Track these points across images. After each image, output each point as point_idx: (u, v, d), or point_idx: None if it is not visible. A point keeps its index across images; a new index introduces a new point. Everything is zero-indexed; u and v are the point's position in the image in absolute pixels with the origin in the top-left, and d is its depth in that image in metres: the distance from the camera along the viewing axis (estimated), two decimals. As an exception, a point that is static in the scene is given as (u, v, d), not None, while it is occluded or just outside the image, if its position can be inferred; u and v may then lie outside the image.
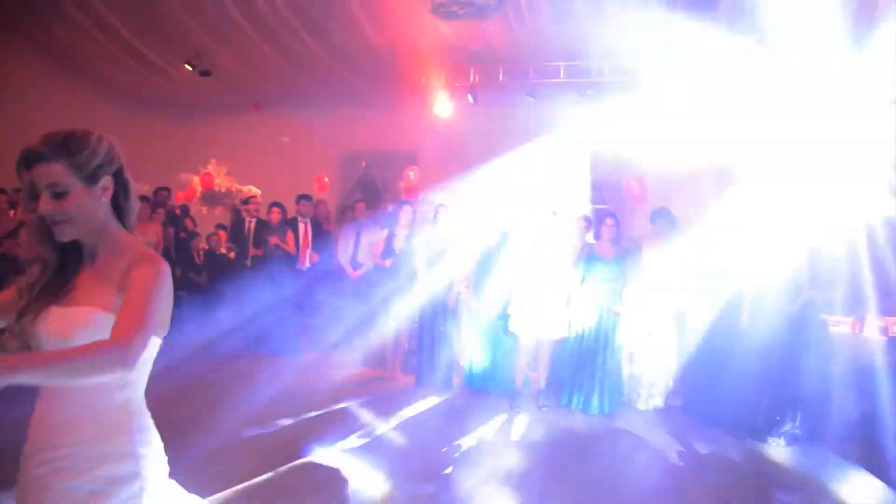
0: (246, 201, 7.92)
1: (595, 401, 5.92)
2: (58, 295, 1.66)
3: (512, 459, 4.92)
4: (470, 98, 9.99)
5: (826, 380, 6.07)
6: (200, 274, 7.80)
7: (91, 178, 1.66)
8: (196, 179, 9.82)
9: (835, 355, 6.22)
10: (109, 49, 9.75)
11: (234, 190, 9.71)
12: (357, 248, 7.46)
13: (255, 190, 9.90)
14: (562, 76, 9.46)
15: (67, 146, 1.63)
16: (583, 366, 5.99)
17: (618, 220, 6.17)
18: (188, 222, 9.19)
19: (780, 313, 5.48)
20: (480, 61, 9.92)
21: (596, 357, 5.97)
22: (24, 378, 1.35)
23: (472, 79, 9.98)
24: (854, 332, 6.46)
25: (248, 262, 7.61)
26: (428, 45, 9.64)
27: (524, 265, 5.96)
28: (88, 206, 1.66)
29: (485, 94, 10.09)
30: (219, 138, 12.02)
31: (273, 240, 7.48)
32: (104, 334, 1.57)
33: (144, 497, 1.67)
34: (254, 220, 7.68)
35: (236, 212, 8.27)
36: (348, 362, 7.29)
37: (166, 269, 1.68)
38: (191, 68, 10.10)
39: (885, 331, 6.37)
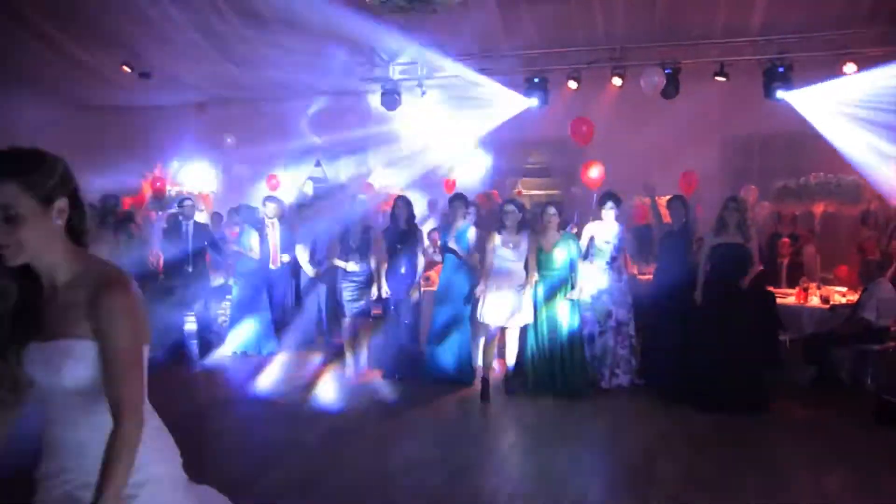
0: (181, 202, 7.70)
1: (560, 383, 6.07)
2: (32, 329, 1.62)
3: (487, 446, 5.02)
4: (420, 91, 9.99)
5: (777, 349, 6.40)
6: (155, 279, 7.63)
7: (46, 199, 1.58)
8: (146, 184, 9.58)
9: (783, 325, 6.55)
10: (45, 54, 9.39)
11: (184, 193, 9.51)
12: (316, 245, 7.43)
13: (205, 191, 9.75)
14: (510, 66, 9.55)
15: (21, 165, 1.56)
16: (546, 350, 6.13)
17: (560, 210, 6.34)
18: (133, 228, 8.95)
19: (731, 287, 5.71)
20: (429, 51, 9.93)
21: (557, 341, 6.12)
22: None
23: (419, 71, 9.98)
24: (799, 302, 6.76)
25: (189, 267, 7.45)
26: (374, 39, 9.60)
27: (490, 253, 6.03)
28: (42, 229, 1.58)
29: (433, 85, 10.12)
30: (165, 140, 11.72)
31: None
32: (87, 362, 1.58)
33: (164, 493, 1.71)
34: (191, 222, 7.52)
35: (172, 214, 8.02)
36: (315, 359, 7.30)
37: (131, 286, 1.65)
38: (129, 70, 9.81)
39: (826, 299, 6.70)
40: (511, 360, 6.24)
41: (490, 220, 6.83)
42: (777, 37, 8.65)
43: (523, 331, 6.18)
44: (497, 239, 6.02)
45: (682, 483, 4.23)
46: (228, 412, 5.85)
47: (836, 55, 8.57)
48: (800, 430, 5.29)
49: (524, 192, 11.55)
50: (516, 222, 6.03)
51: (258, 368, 7.09)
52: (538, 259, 6.14)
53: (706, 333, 5.72)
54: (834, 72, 8.71)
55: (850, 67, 8.56)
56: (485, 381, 6.07)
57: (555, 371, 6.11)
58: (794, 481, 4.32)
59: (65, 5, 8.40)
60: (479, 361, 6.45)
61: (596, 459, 4.87)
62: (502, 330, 6.16)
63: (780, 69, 8.70)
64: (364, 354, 6.83)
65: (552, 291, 6.17)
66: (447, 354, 6.49)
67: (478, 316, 6.09)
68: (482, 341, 6.34)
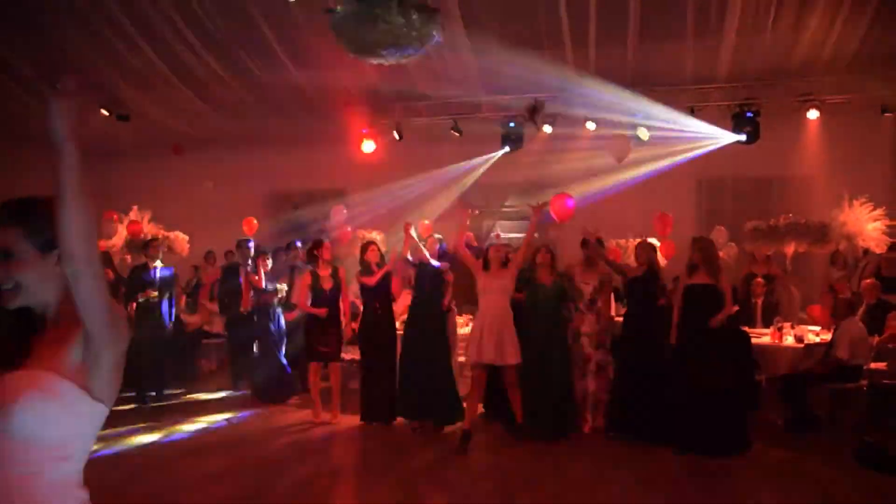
0: (146, 245, 7.60)
1: (549, 424, 6.00)
2: (10, 362, 1.59)
3: (479, 490, 4.93)
4: (396, 135, 10.11)
5: (753, 389, 6.40)
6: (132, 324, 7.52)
7: (46, 246, 1.63)
8: (122, 227, 9.48)
9: (758, 365, 6.58)
10: (20, 96, 9.39)
11: (160, 236, 9.41)
12: (290, 289, 7.39)
13: (181, 235, 9.67)
14: (484, 111, 9.73)
15: (23, 212, 1.63)
16: (536, 390, 6.06)
17: (552, 250, 6.36)
18: (109, 272, 8.84)
19: (703, 328, 5.72)
20: (404, 98, 10.08)
21: (547, 380, 6.06)
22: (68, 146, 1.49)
23: (396, 115, 10.12)
24: (774, 342, 6.80)
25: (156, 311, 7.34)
26: (352, 84, 9.74)
27: (479, 290, 5.97)
28: (41, 274, 1.63)
29: (410, 129, 10.24)
30: (140, 184, 11.68)
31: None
32: (55, 401, 1.52)
33: None
34: (158, 266, 7.43)
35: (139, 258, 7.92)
36: (290, 408, 7.18)
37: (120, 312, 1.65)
38: (107, 113, 9.82)
39: (800, 339, 6.75)
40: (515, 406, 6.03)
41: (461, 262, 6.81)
42: (742, 84, 8.94)
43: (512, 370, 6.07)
44: (483, 277, 5.98)
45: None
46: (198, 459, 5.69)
47: (800, 101, 8.86)
48: (780, 473, 5.26)
49: (502, 235, 11.62)
50: (502, 260, 6.02)
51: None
52: (532, 299, 6.12)
53: (682, 374, 5.72)
54: (799, 117, 9.00)
55: (813, 113, 8.84)
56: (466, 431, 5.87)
57: (538, 411, 6.03)
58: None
59: (43, 48, 8.43)
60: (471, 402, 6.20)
61: None
62: (493, 369, 5.98)
63: (748, 114, 8.96)
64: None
65: (545, 330, 6.14)
66: (424, 394, 6.39)
67: (465, 355, 6.01)
68: (476, 380, 6.02)
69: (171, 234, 9.54)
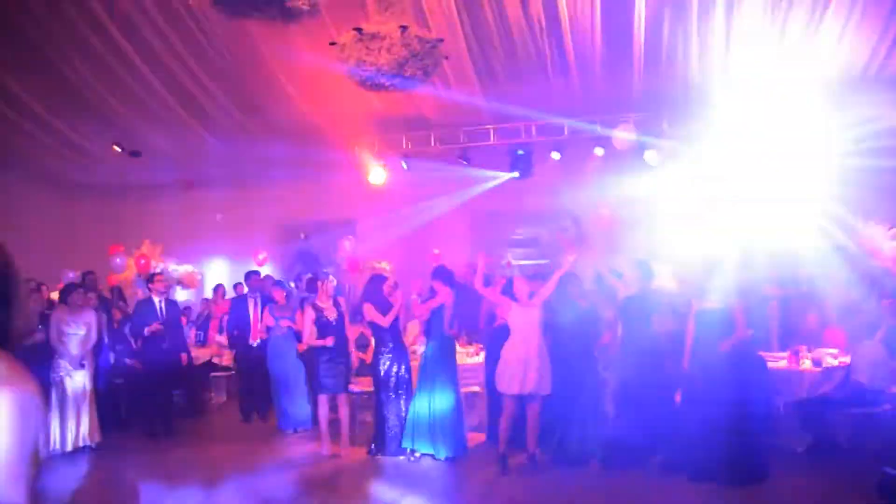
0: (150, 279, 7.59)
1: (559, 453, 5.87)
2: None
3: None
4: (403, 164, 10.15)
5: (771, 415, 6.24)
6: (136, 358, 7.50)
7: None
8: (131, 261, 9.55)
9: (776, 390, 6.41)
10: (35, 135, 9.55)
11: (169, 270, 9.47)
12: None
13: (191, 269, 9.72)
14: (492, 138, 9.74)
15: None
16: (569, 419, 5.95)
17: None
18: (119, 306, 8.88)
19: (719, 354, 5.60)
20: (412, 128, 10.14)
21: (577, 407, 5.94)
22: None
23: (404, 145, 10.16)
24: (791, 365, 6.65)
25: (164, 343, 7.30)
26: (359, 115, 9.83)
27: (509, 318, 5.91)
28: None
29: (417, 159, 10.27)
30: (151, 218, 11.79)
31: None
32: None
33: None
34: (163, 299, 7.42)
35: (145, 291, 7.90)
36: (299, 440, 7.09)
37: (21, 395, 1.45)
38: (119, 150, 9.96)
39: (818, 362, 6.59)
40: (534, 433, 5.95)
41: (470, 290, 6.74)
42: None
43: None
44: (514, 305, 5.91)
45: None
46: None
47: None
48: (799, 502, 5.09)
49: (513, 262, 11.56)
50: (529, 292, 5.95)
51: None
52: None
53: (696, 400, 5.58)
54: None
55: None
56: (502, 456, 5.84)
57: (554, 441, 5.91)
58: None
59: (56, 86, 8.58)
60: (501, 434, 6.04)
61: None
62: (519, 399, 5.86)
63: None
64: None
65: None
66: (431, 425, 6.29)
67: (498, 385, 5.90)
68: (507, 411, 5.92)
69: (181, 269, 9.58)
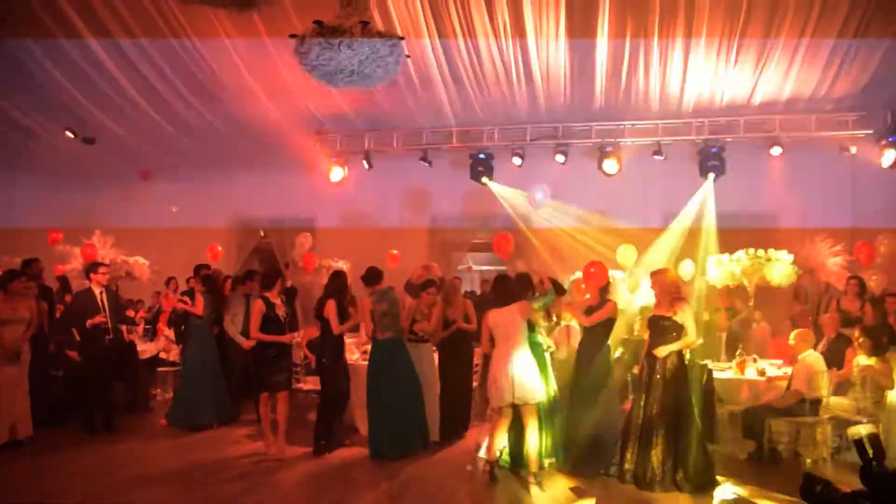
0: (94, 269, 7.25)
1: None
2: None
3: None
4: (365, 163, 10.10)
5: (714, 422, 6.35)
6: (76, 350, 7.25)
7: None
8: (77, 251, 9.27)
9: (721, 399, 6.53)
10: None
11: (119, 261, 9.22)
12: (248, 317, 7.29)
13: (141, 261, 9.49)
14: (454, 141, 9.76)
15: None
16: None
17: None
18: (64, 298, 8.62)
19: (668, 363, 5.66)
20: (375, 127, 10.10)
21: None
22: None
23: (366, 144, 10.11)
24: (736, 375, 6.79)
25: (109, 335, 7.10)
26: (322, 112, 9.75)
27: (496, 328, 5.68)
28: None
29: (380, 159, 10.23)
30: (105, 208, 11.52)
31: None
32: None
33: None
34: (104, 291, 7.18)
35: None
36: (242, 439, 6.96)
37: None
38: (72, 135, 9.69)
39: (762, 371, 6.74)
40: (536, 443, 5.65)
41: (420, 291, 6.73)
42: (709, 119, 9.11)
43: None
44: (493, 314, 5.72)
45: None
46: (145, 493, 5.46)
47: (763, 138, 9.03)
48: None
49: (473, 267, 11.59)
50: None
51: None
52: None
53: (645, 407, 5.64)
54: (762, 154, 9.16)
55: (776, 150, 9.01)
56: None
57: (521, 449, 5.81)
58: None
59: (4, 64, 8.32)
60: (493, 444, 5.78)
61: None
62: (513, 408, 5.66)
63: (713, 150, 9.09)
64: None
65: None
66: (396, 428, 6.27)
67: (490, 394, 5.68)
68: (501, 421, 5.67)
69: (131, 260, 9.35)
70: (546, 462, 5.85)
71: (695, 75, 8.34)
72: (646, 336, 6.03)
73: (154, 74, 8.76)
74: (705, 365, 6.61)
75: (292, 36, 5.92)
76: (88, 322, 6.89)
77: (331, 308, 6.36)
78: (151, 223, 11.39)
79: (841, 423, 6.09)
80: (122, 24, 7.76)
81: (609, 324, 6.07)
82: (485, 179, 9.76)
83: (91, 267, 7.31)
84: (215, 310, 7.55)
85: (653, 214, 9.91)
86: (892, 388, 6.05)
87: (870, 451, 3.02)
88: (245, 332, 7.01)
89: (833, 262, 8.39)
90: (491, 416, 5.78)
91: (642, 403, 5.65)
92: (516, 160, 9.63)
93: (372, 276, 6.52)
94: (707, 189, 9.32)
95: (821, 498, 2.84)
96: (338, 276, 6.72)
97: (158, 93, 9.18)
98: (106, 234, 9.80)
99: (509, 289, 5.84)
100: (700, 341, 6.78)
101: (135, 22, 7.75)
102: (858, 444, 3.17)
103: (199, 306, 7.38)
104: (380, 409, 6.30)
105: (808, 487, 2.89)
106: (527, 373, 5.51)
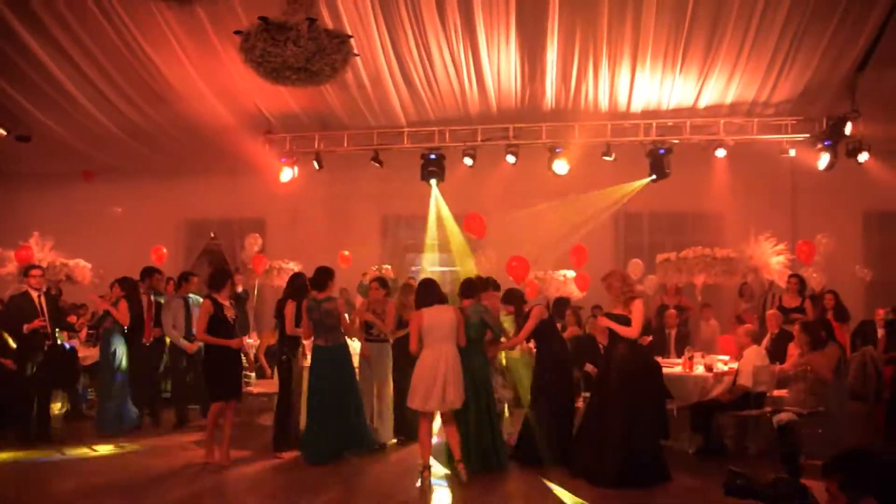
0: (26, 272, 6.95)
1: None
2: None
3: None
4: (315, 164, 9.96)
5: (664, 419, 6.43)
6: (14, 358, 6.92)
7: None
8: (14, 254, 8.89)
9: (670, 394, 6.63)
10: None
11: (58, 264, 8.89)
12: (189, 320, 7.12)
13: (82, 263, 9.16)
14: (405, 141, 9.72)
15: None
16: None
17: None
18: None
19: (620, 359, 5.72)
20: (325, 128, 9.99)
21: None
22: None
23: (316, 145, 9.99)
24: (685, 371, 6.91)
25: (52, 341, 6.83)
26: (271, 112, 9.59)
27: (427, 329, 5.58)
28: None
29: (330, 160, 10.11)
30: (44, 209, 11.10)
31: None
32: None
33: None
34: (41, 294, 6.90)
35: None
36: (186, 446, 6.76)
37: None
38: (5, 132, 9.30)
39: (709, 367, 6.88)
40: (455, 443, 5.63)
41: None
42: (656, 121, 9.28)
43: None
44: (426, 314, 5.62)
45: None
46: None
47: (708, 140, 9.25)
48: (691, 500, 5.27)
49: (427, 268, 11.54)
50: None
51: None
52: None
53: (598, 404, 5.71)
54: (708, 156, 9.38)
55: (720, 152, 9.24)
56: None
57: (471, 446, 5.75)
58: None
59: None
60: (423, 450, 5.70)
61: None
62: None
63: (661, 151, 9.26)
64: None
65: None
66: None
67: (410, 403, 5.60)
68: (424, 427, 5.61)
69: (72, 263, 9.02)
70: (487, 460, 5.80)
71: (642, 80, 8.52)
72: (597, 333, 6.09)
73: (94, 71, 8.49)
74: (655, 361, 6.70)
75: (237, 32, 5.81)
76: (26, 327, 6.60)
77: (290, 309, 6.26)
78: (94, 225, 11.04)
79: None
80: (58, 18, 7.50)
81: (544, 326, 6.10)
82: (432, 182, 9.73)
83: (25, 270, 7.01)
84: (136, 315, 7.35)
85: (600, 215, 10.05)
86: (829, 380, 6.24)
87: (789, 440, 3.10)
88: (188, 336, 6.82)
89: (776, 260, 8.64)
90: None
91: (597, 401, 5.70)
92: (468, 160, 9.63)
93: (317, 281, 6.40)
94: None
95: (743, 491, 2.91)
96: (298, 277, 6.62)
97: (99, 90, 8.90)
98: (45, 237, 9.42)
99: (436, 291, 5.77)
100: (650, 339, 6.95)
101: (72, 16, 7.50)
102: (781, 431, 3.30)
103: (122, 311, 7.14)
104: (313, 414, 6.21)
105: (730, 482, 2.96)
106: (454, 378, 5.41)
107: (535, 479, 5.67)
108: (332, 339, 6.21)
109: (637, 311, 5.67)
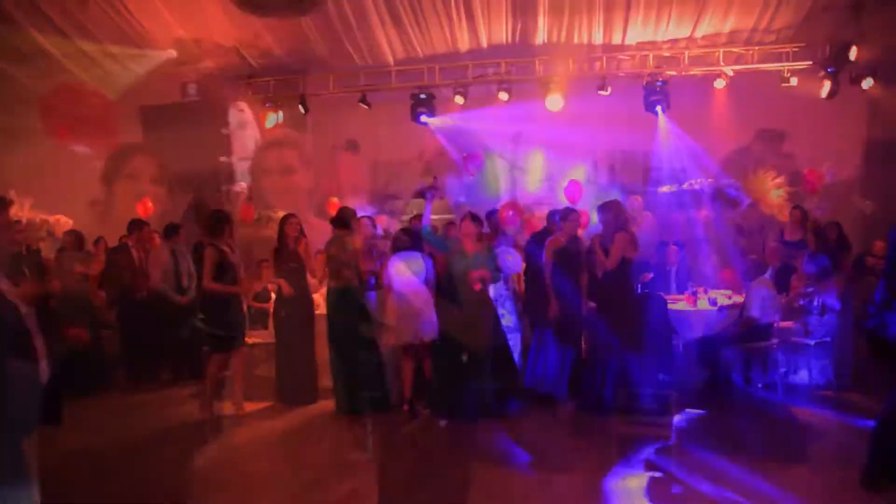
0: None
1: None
2: None
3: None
4: (301, 108, 9.59)
5: (670, 353, 6.38)
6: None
7: None
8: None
9: (675, 329, 6.56)
10: None
11: (38, 221, 8.58)
12: (179, 273, 6.94)
13: (63, 219, 8.85)
14: (393, 81, 9.37)
15: None
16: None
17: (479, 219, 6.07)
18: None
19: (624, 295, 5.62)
20: (309, 70, 9.60)
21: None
22: None
23: (301, 88, 9.61)
24: (689, 306, 6.79)
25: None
26: (253, 56, 9.19)
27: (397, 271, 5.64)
28: None
29: (316, 102, 9.73)
30: (20, 166, 10.66)
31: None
32: None
33: None
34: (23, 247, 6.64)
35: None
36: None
37: None
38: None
39: (713, 302, 6.76)
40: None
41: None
42: (652, 53, 8.97)
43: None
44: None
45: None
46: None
47: (705, 72, 8.96)
48: (700, 433, 5.23)
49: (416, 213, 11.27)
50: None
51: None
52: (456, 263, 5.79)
53: (600, 341, 5.62)
54: (706, 87, 9.10)
55: (719, 83, 8.96)
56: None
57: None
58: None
59: None
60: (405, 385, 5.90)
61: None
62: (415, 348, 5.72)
63: (659, 84, 8.97)
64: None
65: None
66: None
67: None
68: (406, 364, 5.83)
69: (52, 219, 8.71)
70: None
71: (637, 10, 8.19)
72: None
73: (66, 22, 8.04)
74: (661, 296, 6.59)
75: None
76: None
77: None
78: (73, 181, 10.64)
79: (789, 348, 6.19)
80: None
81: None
82: (425, 118, 9.38)
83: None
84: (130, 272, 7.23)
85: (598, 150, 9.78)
86: (837, 310, 6.15)
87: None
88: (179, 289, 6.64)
89: (776, 193, 8.47)
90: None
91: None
92: (459, 99, 9.31)
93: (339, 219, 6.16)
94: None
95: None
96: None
97: (73, 42, 8.45)
98: (22, 195, 9.06)
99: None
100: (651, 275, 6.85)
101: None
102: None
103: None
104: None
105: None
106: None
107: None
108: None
109: (617, 244, 5.56)
